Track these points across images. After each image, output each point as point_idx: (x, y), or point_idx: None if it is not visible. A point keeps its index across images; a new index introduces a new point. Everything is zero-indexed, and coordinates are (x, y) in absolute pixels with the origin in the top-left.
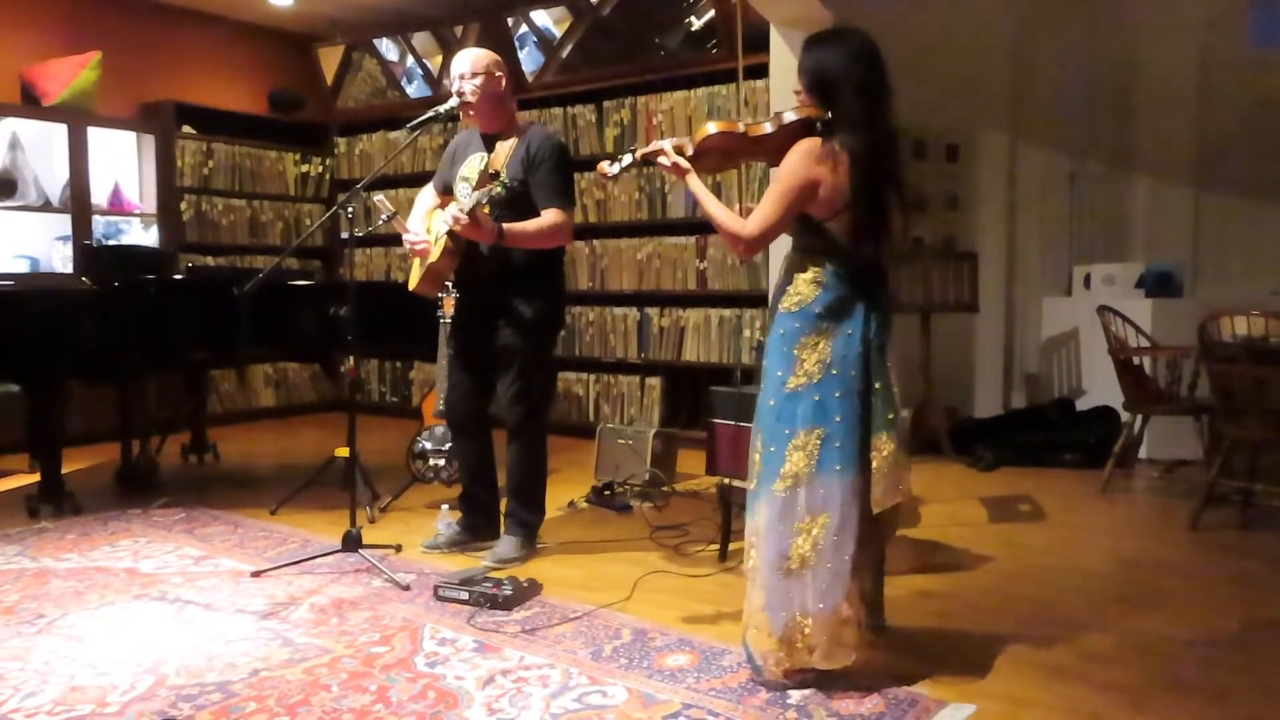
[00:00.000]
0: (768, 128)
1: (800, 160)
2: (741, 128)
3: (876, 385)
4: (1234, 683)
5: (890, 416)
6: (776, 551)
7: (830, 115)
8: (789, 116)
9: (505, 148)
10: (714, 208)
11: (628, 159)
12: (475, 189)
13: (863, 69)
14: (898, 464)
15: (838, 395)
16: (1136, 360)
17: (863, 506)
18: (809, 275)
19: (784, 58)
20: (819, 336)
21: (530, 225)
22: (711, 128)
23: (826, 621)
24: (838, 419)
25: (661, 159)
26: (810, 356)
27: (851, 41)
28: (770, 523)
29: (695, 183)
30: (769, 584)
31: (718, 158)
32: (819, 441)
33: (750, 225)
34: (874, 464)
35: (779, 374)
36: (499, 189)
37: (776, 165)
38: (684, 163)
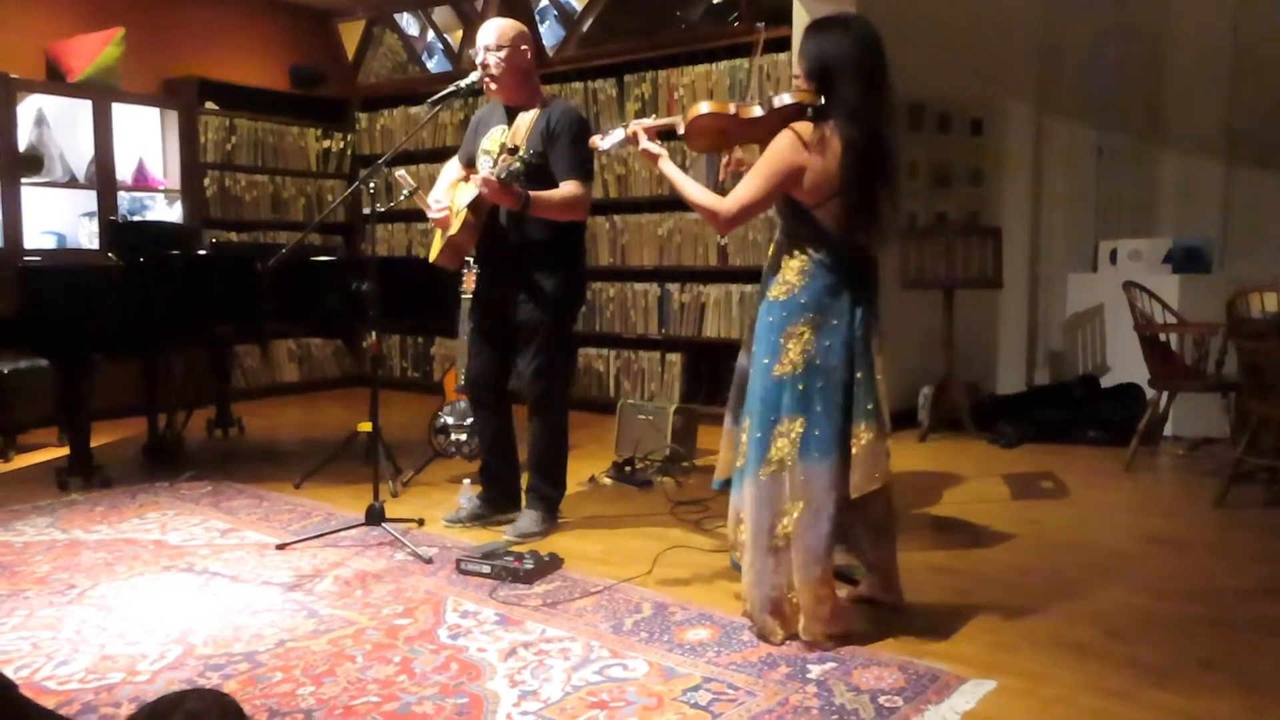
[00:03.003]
0: (758, 111)
1: (787, 145)
2: (733, 109)
3: (859, 375)
4: (1258, 661)
5: (870, 406)
6: (764, 530)
7: (825, 101)
8: (781, 100)
9: (526, 120)
10: (689, 188)
11: (619, 135)
12: (496, 162)
13: (863, 57)
14: (875, 452)
15: (820, 385)
16: (1163, 337)
17: (841, 492)
18: (796, 264)
19: None
20: (805, 326)
21: (554, 194)
22: (704, 107)
23: (806, 594)
24: (819, 408)
25: (642, 145)
26: (795, 345)
27: (854, 29)
28: (756, 505)
29: (667, 166)
30: (754, 560)
31: (712, 137)
32: (801, 429)
33: (727, 203)
34: (853, 451)
35: (765, 361)
36: (517, 164)
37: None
38: (654, 149)
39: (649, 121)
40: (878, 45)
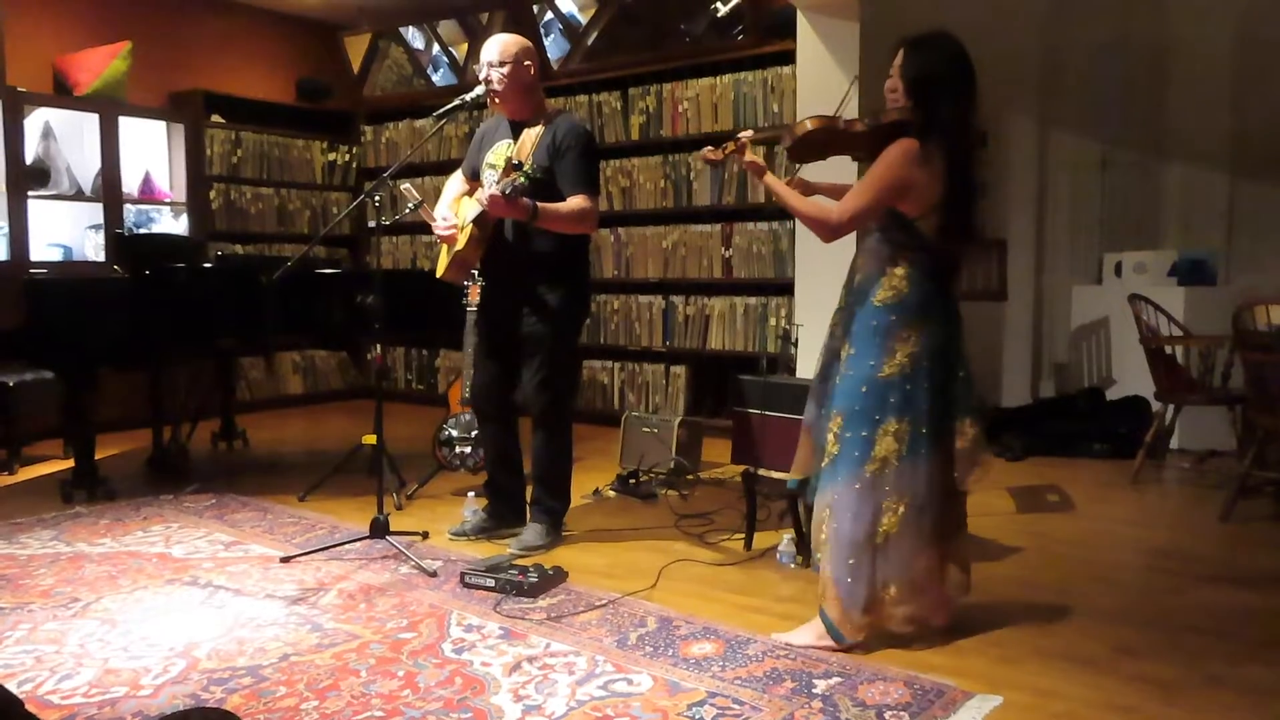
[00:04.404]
0: (865, 125)
1: (898, 159)
2: (841, 124)
3: (960, 374)
4: (1265, 675)
5: (970, 401)
6: (862, 527)
7: (924, 117)
8: (887, 116)
9: (532, 135)
10: (793, 199)
11: (730, 147)
12: (500, 179)
13: (959, 74)
14: (978, 445)
15: (925, 385)
16: (1168, 349)
17: (944, 484)
18: (901, 271)
19: (810, 43)
20: (910, 330)
21: (562, 206)
22: (809, 124)
23: (908, 588)
24: (924, 407)
25: (748, 157)
26: (903, 348)
27: (950, 47)
28: (853, 501)
29: (773, 179)
30: (848, 557)
31: (814, 150)
32: (909, 428)
33: (837, 212)
34: (960, 445)
35: (871, 363)
36: (522, 179)
37: (865, 160)
38: (761, 162)
39: (750, 134)
40: (969, 62)
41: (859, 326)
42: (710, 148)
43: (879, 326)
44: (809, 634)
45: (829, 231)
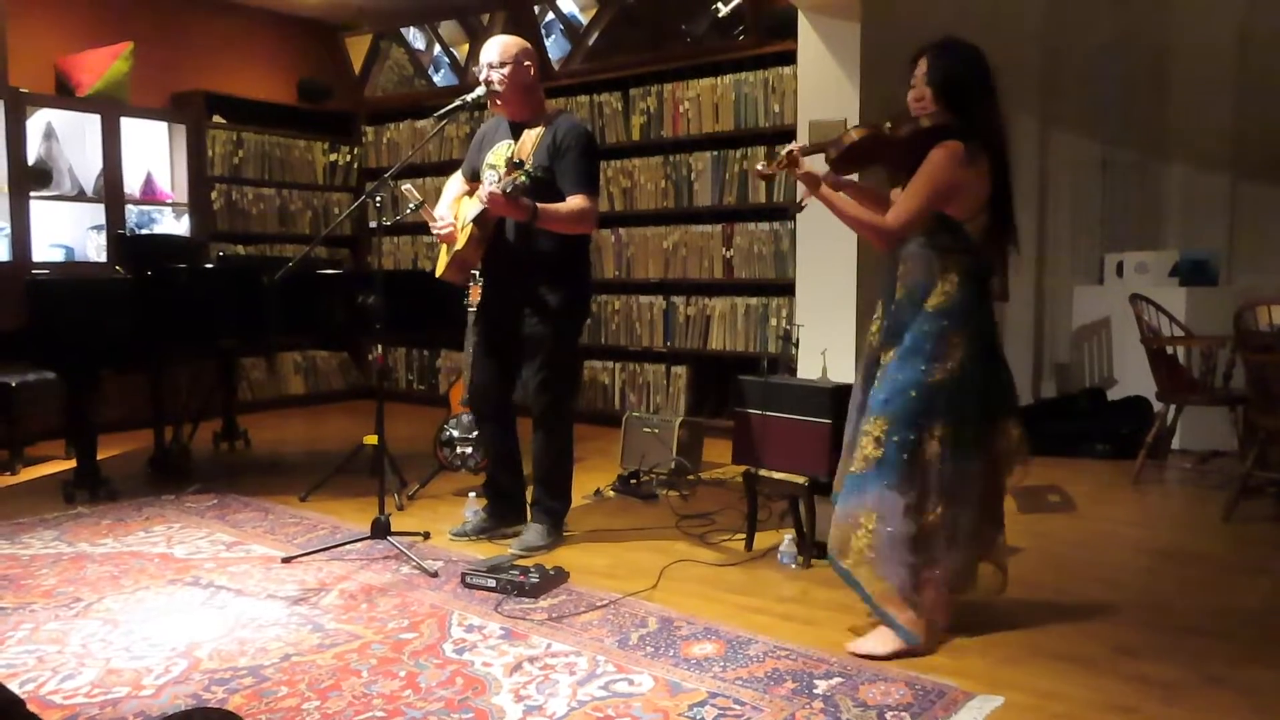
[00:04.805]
0: (907, 131)
1: (947, 161)
2: (886, 130)
3: (1003, 376)
4: (1266, 676)
5: (1012, 402)
6: (911, 528)
7: (961, 120)
8: (926, 121)
9: (532, 135)
10: (851, 209)
11: (782, 160)
12: (501, 178)
13: (984, 76)
14: (1022, 445)
15: (971, 390)
16: (1170, 350)
17: (987, 486)
18: (954, 275)
19: (811, 43)
20: (959, 334)
21: (562, 207)
22: (854, 134)
23: (948, 581)
24: (971, 411)
25: (804, 168)
26: (954, 354)
27: (970, 50)
28: (899, 504)
29: (828, 191)
30: (903, 559)
31: (856, 161)
32: (954, 432)
33: (890, 218)
34: (1007, 445)
35: (921, 368)
36: (523, 178)
37: (899, 169)
38: (815, 172)
39: (799, 145)
40: (989, 65)
41: (911, 332)
42: (762, 163)
43: (931, 332)
44: (888, 642)
45: (885, 239)
